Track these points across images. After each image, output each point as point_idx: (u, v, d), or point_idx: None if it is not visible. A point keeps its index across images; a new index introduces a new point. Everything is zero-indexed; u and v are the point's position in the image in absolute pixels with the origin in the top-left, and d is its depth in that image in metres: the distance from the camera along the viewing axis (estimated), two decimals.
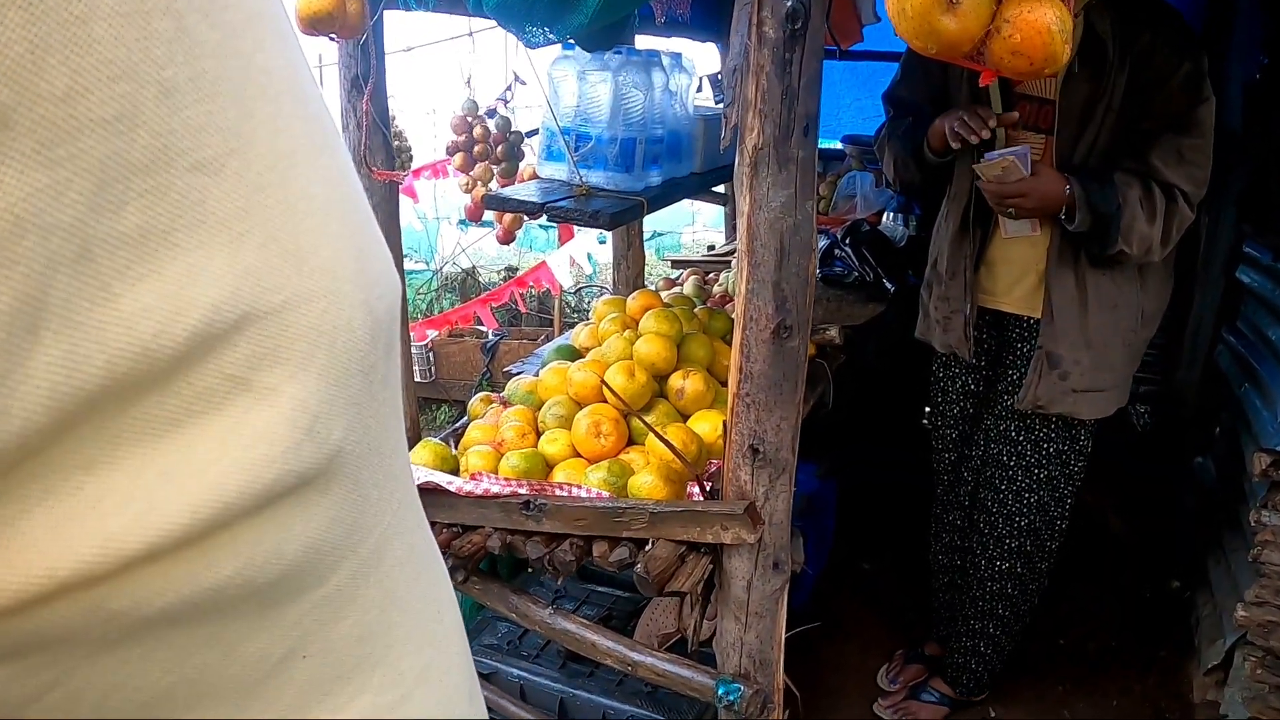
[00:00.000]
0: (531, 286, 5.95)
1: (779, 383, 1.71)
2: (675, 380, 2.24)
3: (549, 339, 4.76)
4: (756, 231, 1.63)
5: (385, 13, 2.12)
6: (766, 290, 1.65)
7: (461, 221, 8.07)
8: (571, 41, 2.21)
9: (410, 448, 2.25)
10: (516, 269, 7.56)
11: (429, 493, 2.08)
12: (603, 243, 6.09)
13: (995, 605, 2.74)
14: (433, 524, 2.10)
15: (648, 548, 1.83)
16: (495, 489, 2.01)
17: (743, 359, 1.72)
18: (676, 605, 2.20)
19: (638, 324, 2.43)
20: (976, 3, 1.24)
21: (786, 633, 1.94)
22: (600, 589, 2.79)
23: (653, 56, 2.50)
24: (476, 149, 3.23)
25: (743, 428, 1.76)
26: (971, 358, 2.62)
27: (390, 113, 2.36)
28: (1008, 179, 2.19)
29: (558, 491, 1.98)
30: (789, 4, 1.47)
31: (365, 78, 2.19)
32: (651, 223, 8.54)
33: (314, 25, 1.91)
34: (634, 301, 2.59)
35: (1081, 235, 2.24)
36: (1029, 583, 2.71)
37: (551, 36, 1.76)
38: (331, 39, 2.03)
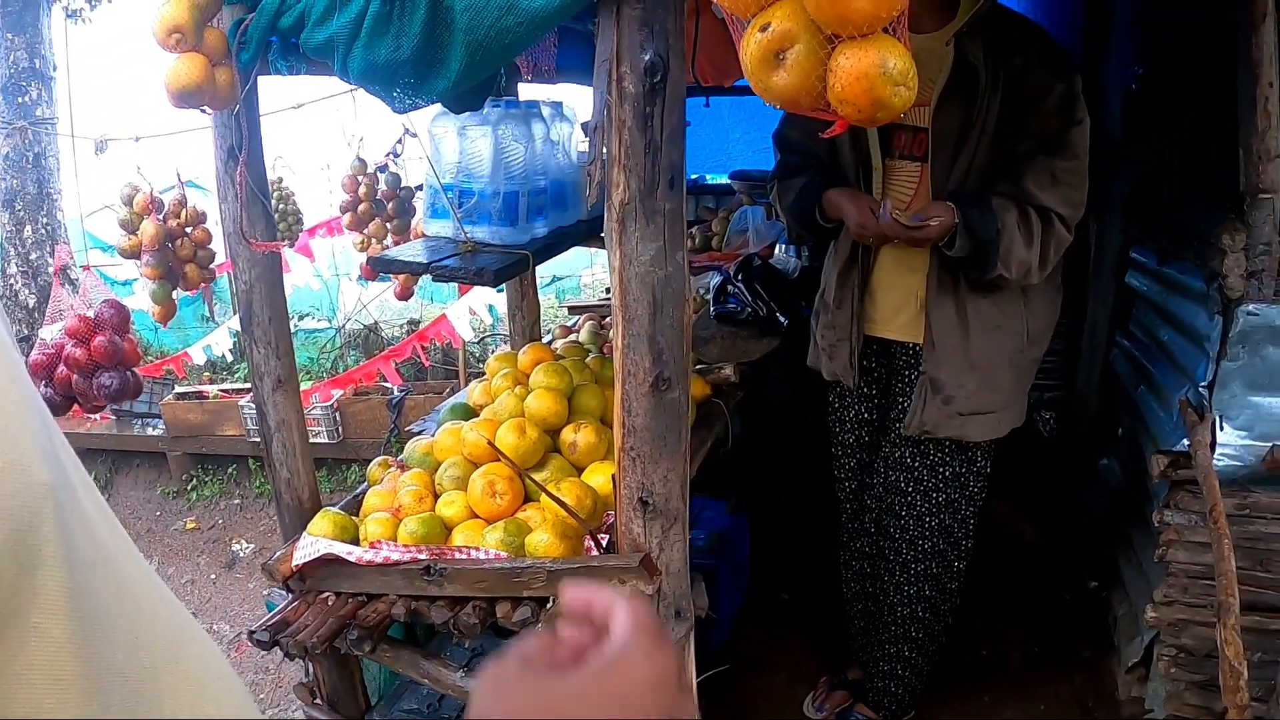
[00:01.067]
0: (433, 340, 5.91)
1: (662, 434, 1.70)
2: (567, 434, 2.22)
3: (454, 391, 4.73)
4: (629, 286, 1.62)
5: (259, 79, 2.09)
6: (642, 344, 1.65)
7: (360, 278, 8.05)
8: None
9: (310, 518, 2.20)
10: (419, 322, 7.51)
11: (329, 563, 2.04)
12: (500, 292, 6.13)
13: (909, 628, 2.75)
14: (337, 594, 2.06)
15: (549, 605, 1.81)
16: (395, 556, 1.98)
17: (625, 413, 1.71)
18: None
19: (529, 378, 2.41)
20: (801, 56, 1.24)
21: (699, 677, 1.92)
22: None
23: (532, 107, 2.51)
24: (361, 208, 3.21)
25: (631, 481, 1.75)
26: (856, 386, 2.65)
27: (275, 175, 2.32)
28: (910, 226, 2.22)
29: (457, 555, 1.96)
30: (647, 58, 1.47)
31: (240, 147, 2.16)
32: (551, 267, 8.56)
33: (184, 99, 1.88)
34: (525, 356, 2.57)
35: (960, 261, 2.27)
36: (940, 603, 2.73)
37: (418, 101, 1.74)
38: (204, 111, 2.00)
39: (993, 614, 3.48)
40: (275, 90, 2.25)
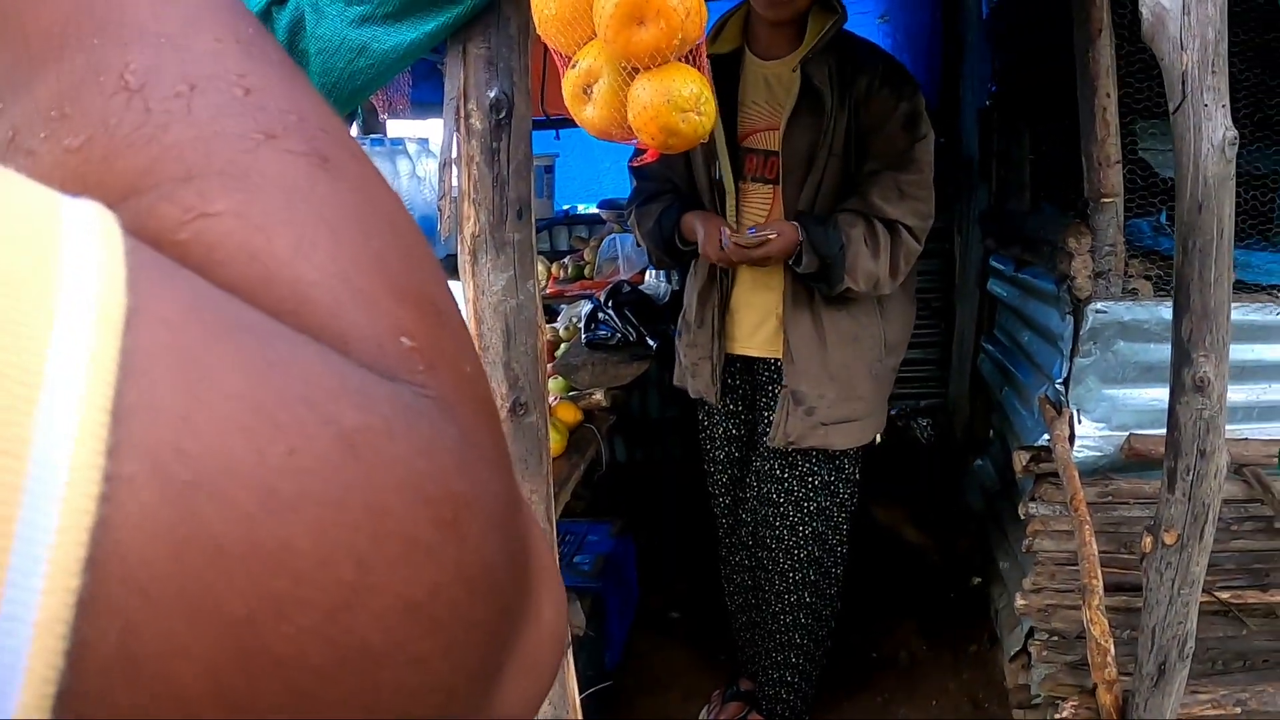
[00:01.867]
0: None
1: (523, 459, 1.73)
2: None
3: None
4: (482, 316, 1.65)
5: None
6: (498, 371, 1.68)
7: None
8: None
9: None
10: None
11: None
12: None
13: (793, 635, 2.80)
14: None
15: None
16: None
17: None
18: None
19: None
20: (605, 91, 1.32)
21: (582, 694, 1.94)
22: None
23: (397, 145, 2.52)
24: None
25: None
26: (721, 403, 2.71)
27: None
28: (748, 247, 2.29)
29: None
30: (493, 95, 1.51)
31: None
32: None
33: None
34: None
35: (810, 276, 2.35)
36: (821, 609, 2.79)
37: None
38: None
39: (881, 617, 3.57)
40: None
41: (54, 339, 0.16)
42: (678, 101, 1.29)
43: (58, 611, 0.16)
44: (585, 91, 1.33)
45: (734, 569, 3.00)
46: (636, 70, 1.32)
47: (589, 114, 1.34)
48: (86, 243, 0.18)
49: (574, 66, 1.34)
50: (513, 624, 0.24)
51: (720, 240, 2.28)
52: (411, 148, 2.54)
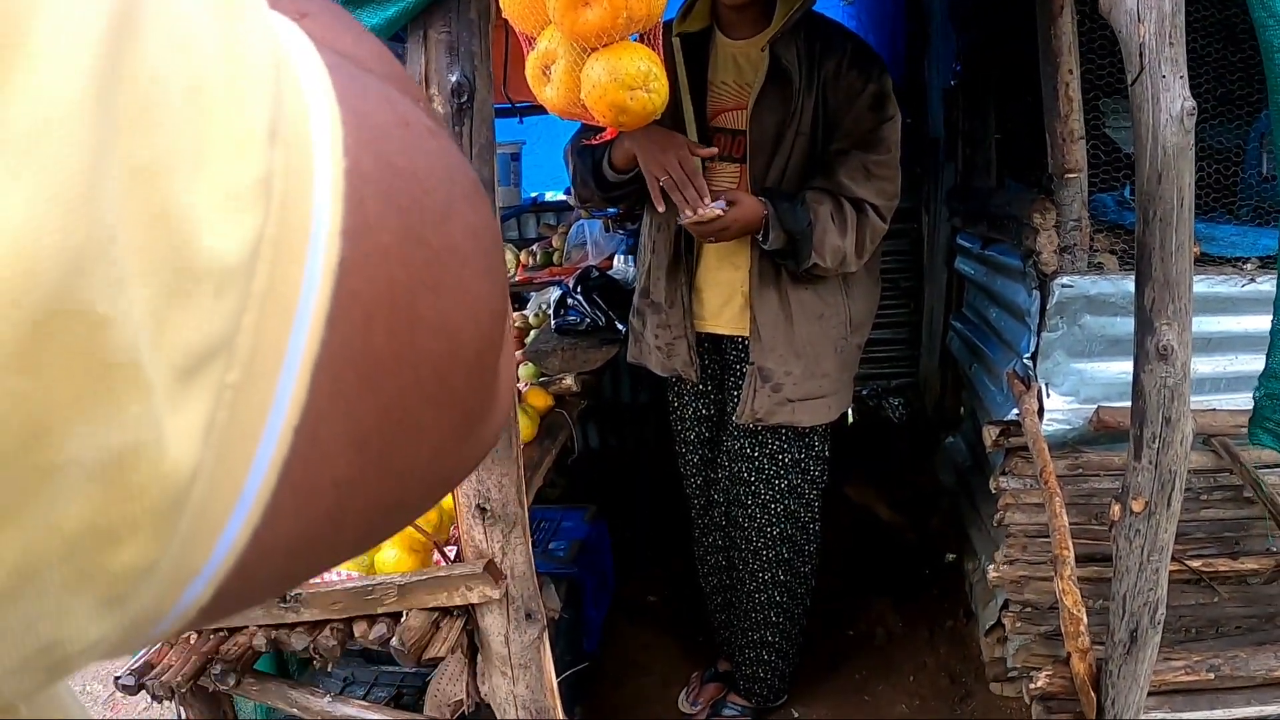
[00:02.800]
0: None
1: None
2: None
3: None
4: None
5: None
6: None
7: None
8: None
9: None
10: None
11: None
12: None
13: (769, 614, 2.82)
14: (198, 631, 2.00)
15: (403, 620, 1.82)
16: None
17: None
18: (461, 671, 2.16)
19: None
20: (562, 71, 1.34)
21: (559, 677, 1.95)
22: (388, 669, 2.71)
23: None
24: None
25: (468, 489, 1.78)
26: (699, 382, 2.70)
27: None
28: (704, 221, 2.27)
29: (311, 579, 1.92)
30: (454, 80, 1.51)
31: None
32: None
33: None
34: None
35: (777, 253, 2.35)
36: (795, 587, 2.81)
37: None
38: None
39: (857, 596, 3.59)
40: None
41: (306, 86, 0.25)
42: (625, 79, 1.30)
43: (334, 223, 0.25)
44: (545, 72, 1.34)
45: (708, 549, 3.01)
46: (588, 51, 1.33)
47: (549, 94, 1.35)
48: (297, 35, 0.27)
49: (535, 48, 1.34)
50: (505, 294, 0.35)
51: (705, 203, 2.21)
52: None
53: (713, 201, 2.24)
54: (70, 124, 0.18)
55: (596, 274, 3.33)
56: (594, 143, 1.47)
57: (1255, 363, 2.42)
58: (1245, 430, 2.35)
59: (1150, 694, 1.82)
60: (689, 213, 2.23)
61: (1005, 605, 2.65)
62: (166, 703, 2.09)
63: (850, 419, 4.25)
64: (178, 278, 0.21)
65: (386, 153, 0.28)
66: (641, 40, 1.35)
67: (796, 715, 3.06)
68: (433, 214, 0.29)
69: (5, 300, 0.17)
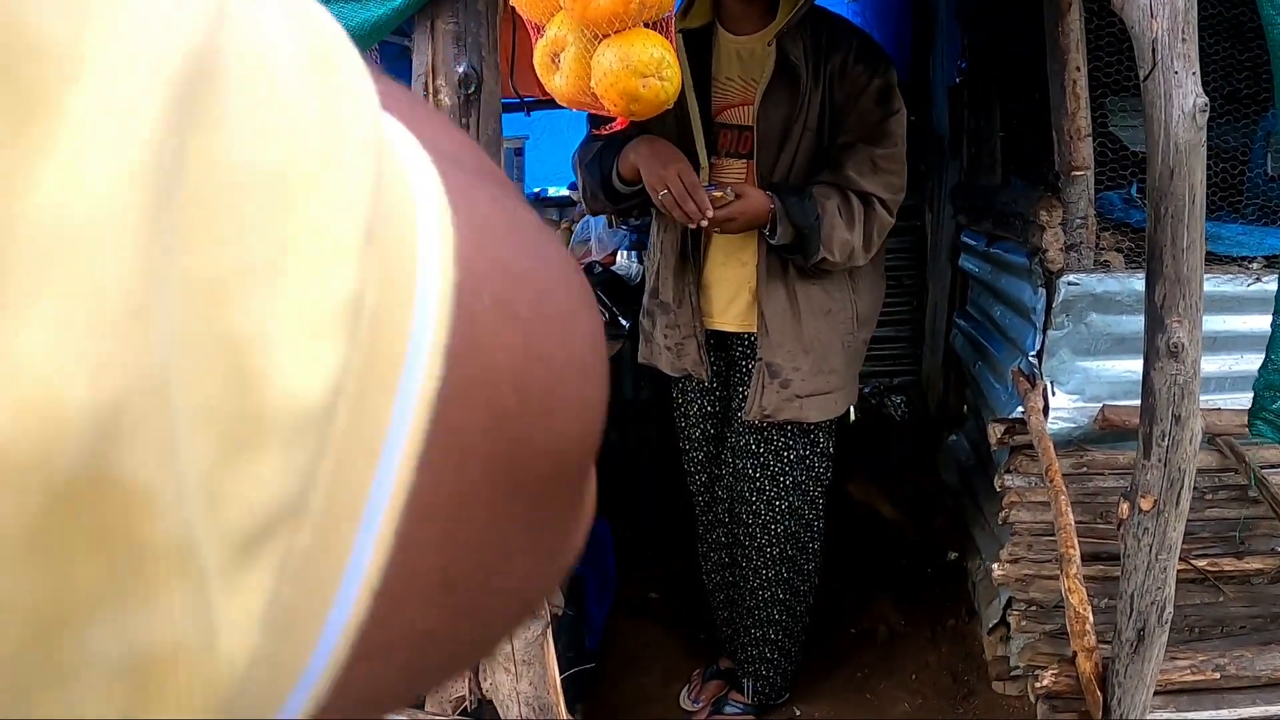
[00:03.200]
0: None
1: None
2: None
3: None
4: None
5: None
6: None
7: None
8: None
9: None
10: None
11: None
12: None
13: (772, 611, 2.81)
14: None
15: None
16: None
17: None
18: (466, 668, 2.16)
19: None
20: (571, 59, 1.32)
21: (563, 674, 1.94)
22: None
23: None
24: None
25: None
26: (709, 380, 2.70)
27: None
28: (714, 207, 2.27)
29: None
30: (461, 70, 1.51)
31: None
32: None
33: None
34: None
35: (785, 247, 2.35)
36: (799, 584, 2.80)
37: None
38: None
39: (859, 594, 3.58)
40: None
41: (411, 175, 0.22)
42: (637, 66, 1.29)
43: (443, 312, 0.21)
44: (554, 60, 1.33)
45: (711, 547, 3.00)
46: (599, 38, 1.31)
47: (557, 83, 1.34)
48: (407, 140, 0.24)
49: (544, 35, 1.33)
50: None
51: (679, 176, 2.19)
52: None
53: (720, 192, 2.25)
54: (114, 224, 0.14)
55: (600, 269, 3.32)
56: (604, 133, 1.45)
57: (1260, 362, 2.43)
58: (1249, 428, 2.35)
59: (1156, 693, 1.81)
60: (692, 226, 2.24)
61: (1009, 604, 2.64)
62: None
63: (853, 416, 4.24)
64: (244, 429, 0.17)
65: (503, 257, 0.24)
66: (653, 27, 1.33)
67: (798, 713, 3.05)
68: (556, 325, 0.25)
69: (15, 468, 0.13)
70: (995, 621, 2.86)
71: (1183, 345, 1.53)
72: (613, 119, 1.40)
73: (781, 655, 2.90)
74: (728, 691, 3.03)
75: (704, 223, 2.21)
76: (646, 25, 1.32)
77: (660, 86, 1.32)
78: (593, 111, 1.40)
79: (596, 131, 1.46)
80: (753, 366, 2.55)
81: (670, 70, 1.32)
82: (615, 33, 1.29)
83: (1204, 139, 1.47)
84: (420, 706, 2.16)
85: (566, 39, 1.31)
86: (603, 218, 3.89)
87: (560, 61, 1.32)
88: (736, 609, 2.91)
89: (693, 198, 2.19)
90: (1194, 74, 1.45)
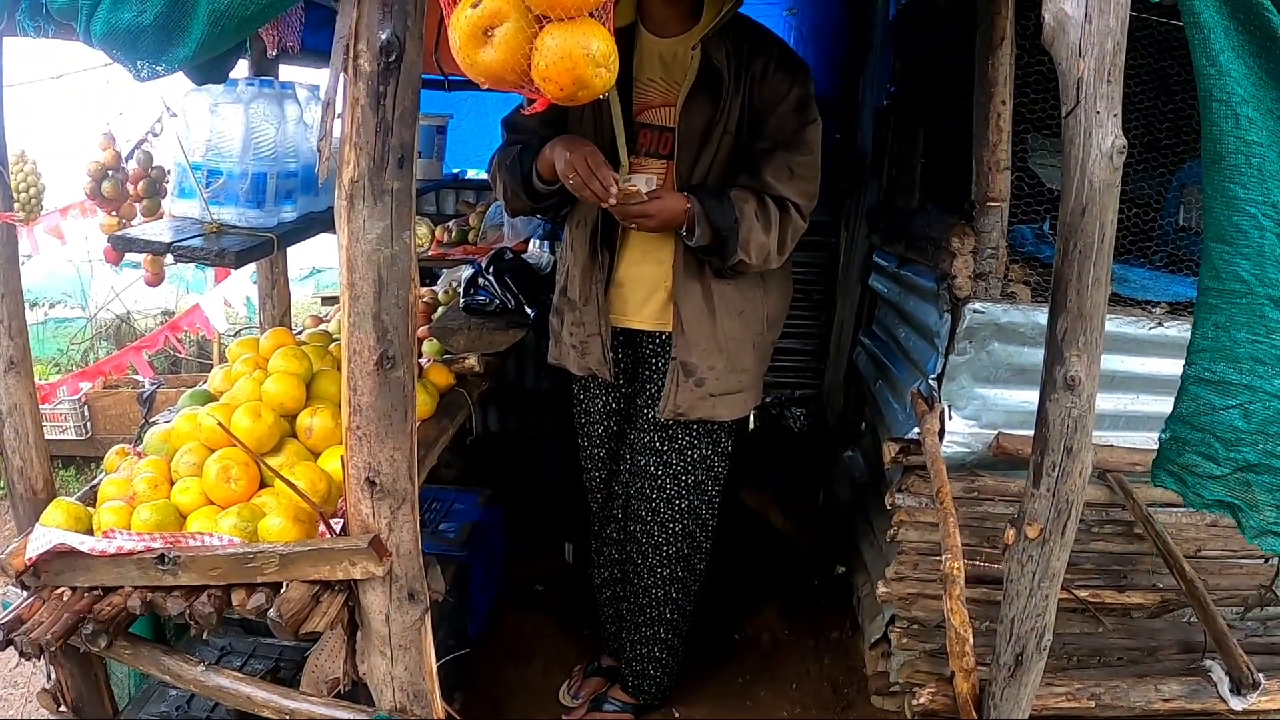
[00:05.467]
0: (186, 330, 5.59)
1: (388, 414, 1.68)
2: (304, 418, 2.16)
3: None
4: (355, 264, 1.61)
5: (8, 41, 1.93)
6: (367, 322, 1.63)
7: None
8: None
9: (44, 509, 2.04)
10: (173, 312, 7.09)
11: (63, 556, 1.89)
12: (256, 282, 5.96)
13: (663, 610, 2.82)
14: (73, 589, 1.91)
15: (283, 591, 1.75)
16: (129, 545, 1.85)
17: (351, 392, 1.69)
18: (343, 648, 2.11)
19: (269, 363, 2.33)
20: (509, 35, 1.30)
21: (440, 660, 1.91)
22: (268, 641, 2.64)
23: (286, 88, 2.42)
24: (106, 185, 2.99)
25: (358, 461, 1.73)
26: (613, 378, 2.69)
27: (17, 149, 2.15)
28: (629, 202, 2.27)
29: (191, 542, 1.85)
30: (384, 37, 1.47)
31: None
32: (311, 257, 8.26)
33: None
34: (266, 341, 2.48)
35: (703, 249, 2.36)
36: (690, 583, 2.82)
37: (159, 70, 1.65)
38: None
39: (745, 600, 3.61)
40: (28, 60, 2.08)
41: None
42: (595, 56, 1.29)
43: None
44: (485, 34, 1.30)
45: (604, 542, 2.99)
46: (544, 19, 1.29)
47: (487, 56, 1.31)
48: None
49: (474, 6, 1.29)
50: None
51: (610, 187, 2.22)
52: (301, 94, 2.44)
53: (639, 184, 2.29)
54: None
55: (510, 255, 3.28)
56: (528, 113, 1.44)
57: (1155, 403, 2.50)
58: (1140, 467, 2.42)
59: (1031, 718, 1.85)
60: (605, 204, 2.25)
61: (892, 620, 2.68)
62: (38, 661, 1.99)
63: (752, 424, 4.27)
64: None
65: None
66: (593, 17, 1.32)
67: (678, 715, 3.06)
68: None
69: None
70: (878, 637, 2.89)
71: (1079, 379, 1.56)
72: (533, 100, 1.38)
73: (670, 654, 2.91)
74: (609, 689, 3.03)
75: (611, 201, 2.23)
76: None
77: (608, 78, 1.33)
78: (512, 90, 1.38)
79: (525, 112, 1.44)
80: (663, 365, 2.56)
81: (614, 63, 1.33)
82: (568, 19, 1.28)
83: (1119, 180, 1.50)
84: (296, 685, 2.11)
85: (508, 14, 1.28)
86: None
87: (495, 36, 1.29)
88: (626, 605, 2.91)
89: (597, 176, 2.22)
90: (1115, 115, 1.48)
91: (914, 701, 2.06)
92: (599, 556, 3.05)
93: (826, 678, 3.27)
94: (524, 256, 3.42)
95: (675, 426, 2.62)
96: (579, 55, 1.28)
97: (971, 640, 1.93)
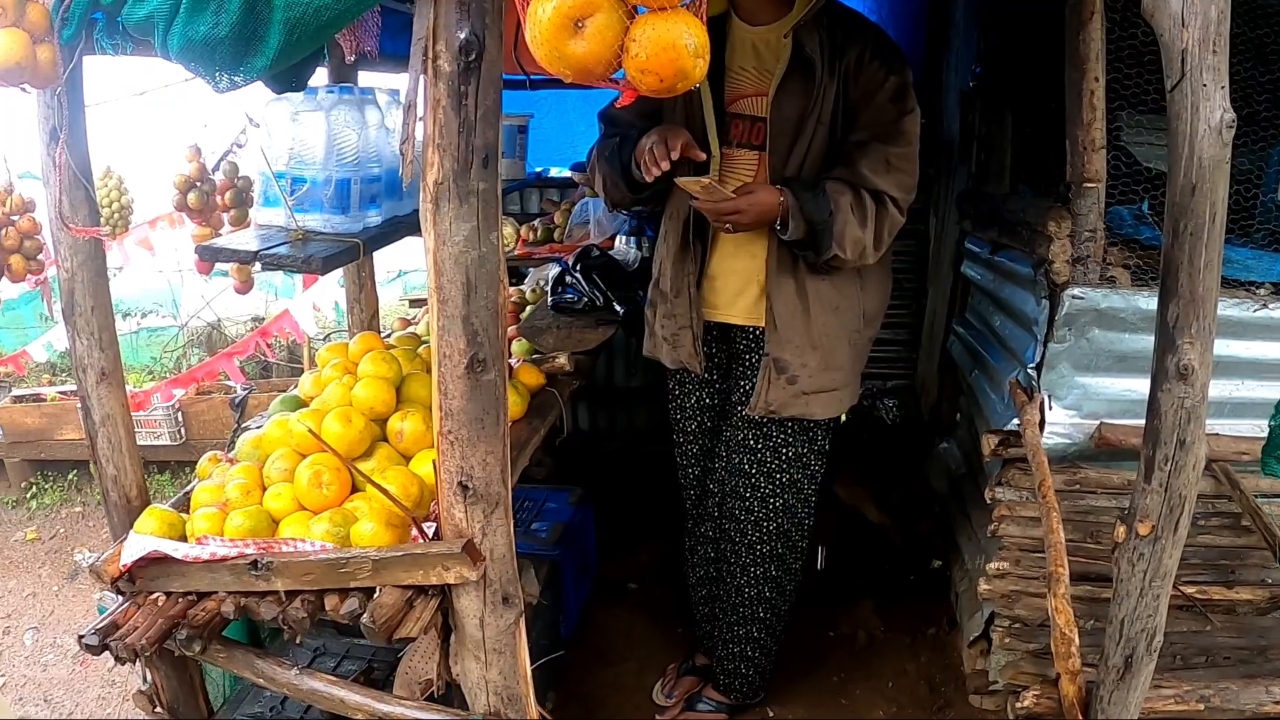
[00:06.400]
0: (277, 336, 5.71)
1: (479, 417, 1.67)
2: (394, 422, 2.17)
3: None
4: (442, 267, 1.60)
5: (98, 59, 1.97)
6: (456, 325, 1.62)
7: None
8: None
9: (138, 517, 2.09)
10: (263, 318, 7.26)
11: (158, 562, 1.93)
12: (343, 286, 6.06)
13: (756, 609, 2.78)
14: (167, 594, 1.95)
15: (376, 595, 1.76)
16: (222, 551, 1.88)
17: (442, 396, 1.68)
18: (433, 650, 2.11)
19: (359, 368, 2.35)
20: (602, 25, 1.26)
21: (534, 664, 1.90)
22: (361, 642, 2.66)
23: (367, 94, 2.44)
24: (191, 196, 3.06)
25: (450, 465, 1.72)
26: (704, 372, 2.66)
27: (105, 164, 2.21)
28: (714, 197, 2.24)
29: (284, 548, 1.87)
30: (462, 36, 1.45)
31: (62, 128, 2.03)
32: (398, 260, 8.37)
33: (3, 76, 1.75)
34: (355, 345, 2.50)
35: (797, 243, 2.31)
36: (785, 583, 2.77)
37: (237, 80, 1.67)
38: (24, 90, 1.86)
39: (840, 596, 3.55)
40: (109, 80, 2.13)
41: None
42: (696, 47, 1.26)
43: None
44: (576, 25, 1.27)
45: (699, 540, 2.97)
46: (635, 10, 1.27)
47: (578, 48, 1.27)
48: None
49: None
50: None
51: (667, 145, 2.25)
52: (382, 99, 2.47)
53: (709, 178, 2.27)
54: None
55: (597, 252, 3.26)
56: (620, 105, 1.41)
57: (1261, 389, 2.39)
58: (1247, 456, 2.31)
59: None
60: (655, 170, 2.26)
61: (992, 618, 2.60)
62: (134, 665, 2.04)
63: (844, 417, 4.21)
64: None
65: None
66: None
67: (772, 714, 3.02)
68: None
69: None
70: (977, 635, 2.82)
71: (1193, 368, 1.48)
72: (619, 94, 1.35)
73: (763, 654, 2.87)
74: (703, 688, 3.00)
75: (665, 165, 2.24)
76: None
77: (703, 68, 1.30)
78: (598, 85, 1.35)
79: (622, 104, 1.42)
80: (756, 360, 2.52)
81: (708, 53, 1.30)
82: (660, 9, 1.26)
83: (1229, 155, 1.43)
84: (389, 687, 2.12)
85: (599, 4, 1.25)
86: (602, 201, 3.85)
87: (586, 26, 1.26)
88: (719, 604, 2.88)
89: (675, 150, 2.24)
90: (1223, 88, 1.41)
91: (1018, 704, 2.01)
92: (693, 555, 3.02)
93: (923, 675, 3.20)
94: (611, 253, 3.41)
95: (769, 424, 2.57)
96: (681, 46, 1.25)
97: (1077, 641, 1.86)
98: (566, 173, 4.72)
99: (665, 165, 2.23)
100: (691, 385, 2.76)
